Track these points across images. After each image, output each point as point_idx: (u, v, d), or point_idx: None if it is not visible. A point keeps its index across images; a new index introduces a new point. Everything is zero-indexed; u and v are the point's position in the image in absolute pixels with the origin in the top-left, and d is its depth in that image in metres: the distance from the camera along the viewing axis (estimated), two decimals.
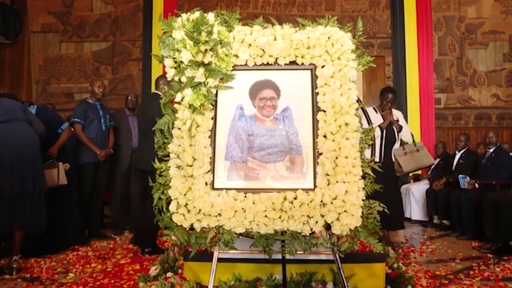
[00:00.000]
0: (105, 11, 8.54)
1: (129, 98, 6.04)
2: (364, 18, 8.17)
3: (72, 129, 5.16)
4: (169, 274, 3.19)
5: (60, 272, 3.93)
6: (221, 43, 2.45)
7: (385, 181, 4.36)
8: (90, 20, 8.53)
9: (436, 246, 5.05)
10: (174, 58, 2.43)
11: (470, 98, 8.00)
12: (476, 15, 8.04)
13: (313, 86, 2.58)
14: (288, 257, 2.46)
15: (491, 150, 5.86)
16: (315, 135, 2.51)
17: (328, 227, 2.35)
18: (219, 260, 2.49)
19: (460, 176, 5.86)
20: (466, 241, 5.25)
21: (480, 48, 8.02)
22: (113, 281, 3.62)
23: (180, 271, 3.24)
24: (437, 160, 6.86)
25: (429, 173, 6.89)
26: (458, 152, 6.36)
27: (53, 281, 3.65)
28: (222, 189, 2.45)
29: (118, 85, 8.41)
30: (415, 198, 6.76)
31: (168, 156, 2.47)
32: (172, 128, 2.47)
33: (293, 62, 2.60)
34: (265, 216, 2.32)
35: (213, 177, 2.48)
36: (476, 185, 5.67)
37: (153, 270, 3.34)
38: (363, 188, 2.38)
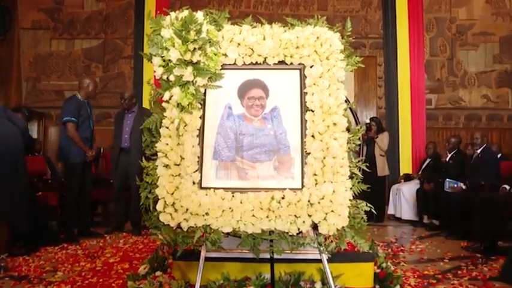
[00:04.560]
0: (96, 8, 8.50)
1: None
2: (356, 18, 8.19)
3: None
4: (158, 273, 3.17)
5: (48, 271, 3.89)
6: (210, 42, 2.45)
7: None
8: (81, 17, 8.49)
9: (425, 245, 5.06)
10: (162, 56, 2.42)
11: (460, 98, 8.06)
12: (467, 16, 8.10)
13: (302, 85, 2.59)
14: (277, 256, 2.46)
15: (478, 151, 5.89)
16: (303, 135, 2.51)
17: (315, 226, 2.36)
18: (208, 259, 2.49)
19: (447, 179, 5.90)
20: (455, 241, 5.27)
21: (471, 49, 8.09)
22: (101, 280, 3.58)
23: (169, 270, 3.23)
24: (428, 160, 6.91)
25: (420, 173, 6.93)
26: (449, 153, 6.41)
27: (41, 280, 3.61)
28: (209, 188, 2.44)
29: (109, 83, 8.37)
30: (405, 198, 6.79)
31: (156, 155, 2.46)
32: (160, 127, 2.47)
33: (282, 62, 2.60)
34: (253, 215, 2.33)
35: (201, 177, 2.48)
36: (464, 186, 5.71)
37: (142, 269, 3.32)
38: (351, 188, 2.39)
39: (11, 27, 8.43)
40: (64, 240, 5.05)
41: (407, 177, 7.39)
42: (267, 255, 2.53)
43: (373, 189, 6.98)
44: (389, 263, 3.48)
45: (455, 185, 5.78)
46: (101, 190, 6.25)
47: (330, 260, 2.48)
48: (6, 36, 8.41)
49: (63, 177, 5.77)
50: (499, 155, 6.43)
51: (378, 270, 3.23)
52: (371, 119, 7.15)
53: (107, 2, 8.49)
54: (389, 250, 4.77)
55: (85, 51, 8.47)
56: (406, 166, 7.75)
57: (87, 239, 5.21)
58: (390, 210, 7.09)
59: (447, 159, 6.39)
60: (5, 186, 3.90)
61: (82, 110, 5.30)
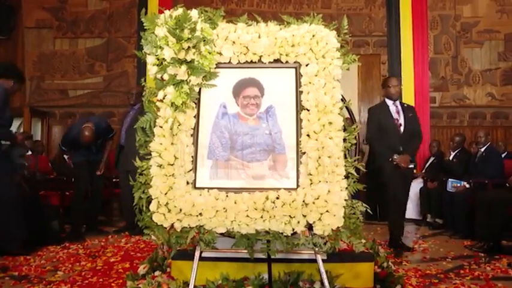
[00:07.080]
0: (100, 7, 8.53)
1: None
2: (359, 16, 8.16)
3: None
4: (157, 273, 3.16)
5: (49, 270, 3.89)
6: (204, 40, 2.42)
7: None
8: (85, 16, 8.52)
9: (428, 245, 5.03)
10: (156, 55, 2.41)
11: (465, 96, 8.00)
12: (472, 14, 8.04)
13: (298, 84, 2.56)
14: (276, 256, 2.43)
15: (482, 149, 5.84)
16: (298, 134, 2.49)
17: (310, 227, 2.33)
18: (207, 258, 2.47)
19: (449, 179, 5.85)
20: (458, 240, 5.24)
21: (475, 47, 8.03)
22: (101, 280, 3.58)
23: (168, 270, 3.22)
24: (432, 159, 6.86)
25: (423, 171, 6.88)
26: (453, 151, 6.36)
27: (41, 279, 3.61)
28: (203, 188, 2.42)
29: (113, 82, 8.39)
30: (409, 196, 6.73)
31: (150, 154, 2.44)
32: (154, 126, 2.45)
33: (277, 60, 2.58)
34: (247, 216, 2.30)
35: (195, 176, 2.46)
36: (467, 185, 5.67)
37: (142, 269, 3.31)
38: (346, 188, 2.36)
39: (15, 27, 8.49)
40: (69, 239, 5.07)
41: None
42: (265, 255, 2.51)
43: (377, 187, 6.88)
44: (390, 263, 3.45)
45: (458, 185, 5.74)
46: (105, 189, 6.27)
47: (329, 260, 2.44)
48: (11, 36, 8.48)
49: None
50: (504, 153, 6.38)
51: (378, 270, 3.20)
52: None
53: (110, 1, 8.53)
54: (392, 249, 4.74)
55: (89, 50, 8.50)
56: None
57: (90, 238, 5.22)
58: None
59: (451, 158, 6.34)
60: None
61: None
